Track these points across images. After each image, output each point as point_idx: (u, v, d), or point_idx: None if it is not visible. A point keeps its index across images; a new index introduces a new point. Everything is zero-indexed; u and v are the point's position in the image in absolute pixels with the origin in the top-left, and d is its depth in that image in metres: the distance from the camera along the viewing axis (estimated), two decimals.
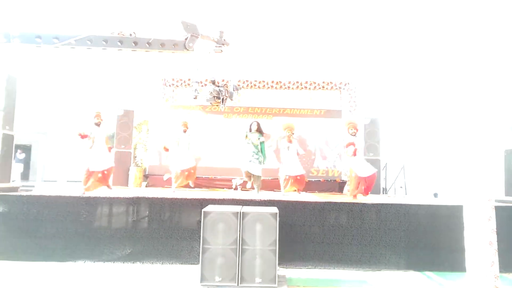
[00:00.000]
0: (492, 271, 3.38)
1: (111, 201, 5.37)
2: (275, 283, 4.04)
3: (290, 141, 7.41)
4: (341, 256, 5.12)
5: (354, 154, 6.31)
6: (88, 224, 5.23)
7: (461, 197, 3.73)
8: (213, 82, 4.27)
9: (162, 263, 5.03)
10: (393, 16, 6.25)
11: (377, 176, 9.05)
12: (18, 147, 13.86)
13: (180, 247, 5.14)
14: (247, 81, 10.45)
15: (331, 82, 10.49)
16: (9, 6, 4.89)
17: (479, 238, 3.46)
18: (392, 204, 5.42)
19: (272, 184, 8.57)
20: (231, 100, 4.29)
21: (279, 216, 4.21)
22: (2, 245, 5.02)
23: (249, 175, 7.01)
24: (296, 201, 5.50)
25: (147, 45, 3.09)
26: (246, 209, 4.32)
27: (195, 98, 4.33)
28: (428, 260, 5.09)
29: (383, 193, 9.79)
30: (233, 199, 5.37)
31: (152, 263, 5.03)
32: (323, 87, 10.56)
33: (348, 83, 10.33)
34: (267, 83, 10.52)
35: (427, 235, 5.19)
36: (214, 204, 4.83)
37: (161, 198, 5.38)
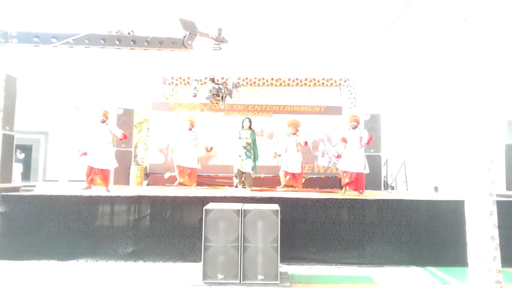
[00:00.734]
0: (494, 266, 3.38)
1: (113, 200, 5.37)
2: (277, 280, 4.04)
3: (297, 136, 7.49)
4: (343, 252, 5.12)
5: (339, 157, 6.79)
6: (90, 223, 5.23)
7: (462, 192, 3.73)
8: (213, 80, 4.26)
9: (164, 261, 5.04)
10: (393, 12, 6.22)
11: (378, 172, 9.09)
12: (18, 147, 13.90)
13: (182, 245, 5.15)
14: (246, 78, 10.42)
15: (331, 79, 10.47)
16: (6, 6, 4.87)
17: (480, 233, 3.45)
18: (393, 200, 5.42)
19: (273, 181, 8.58)
20: (231, 97, 4.29)
21: (281, 213, 4.21)
22: (4, 245, 5.03)
23: (241, 173, 7.05)
24: (297, 198, 5.50)
25: (146, 44, 3.07)
26: (247, 206, 4.32)
27: (195, 96, 4.33)
28: (430, 256, 5.10)
29: (390, 189, 9.79)
30: (234, 197, 5.38)
31: (154, 261, 5.04)
32: (323, 83, 10.53)
33: (348, 79, 10.31)
34: (267, 80, 10.50)
35: (428, 231, 5.20)
36: (216, 201, 4.83)
37: (163, 197, 5.39)
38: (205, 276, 4.07)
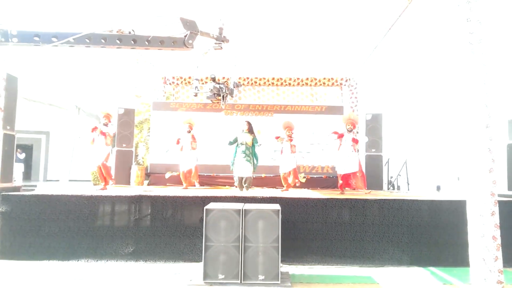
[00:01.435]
0: (495, 266, 3.37)
1: (114, 200, 5.37)
2: (278, 280, 4.04)
3: (291, 140, 7.40)
4: (344, 252, 5.11)
5: (338, 137, 6.72)
6: (91, 223, 5.23)
7: (464, 191, 3.72)
8: (214, 79, 4.25)
9: (165, 261, 5.04)
10: (395, 12, 6.20)
11: (378, 172, 9.08)
12: (19, 147, 13.91)
13: (182, 245, 5.15)
14: (247, 78, 10.40)
15: (332, 78, 10.44)
16: (6, 5, 4.86)
17: (482, 233, 3.44)
18: (394, 200, 5.41)
19: (273, 181, 8.57)
20: (232, 97, 4.28)
21: (282, 213, 4.20)
22: (5, 245, 5.03)
23: (241, 178, 7.00)
24: (298, 197, 5.49)
25: (146, 43, 3.06)
26: (248, 206, 4.31)
27: (196, 95, 4.32)
28: (432, 256, 5.09)
29: (391, 188, 9.78)
30: (235, 197, 5.37)
31: (155, 261, 5.04)
32: (324, 83, 10.51)
33: (349, 79, 10.29)
34: (268, 80, 10.48)
35: (430, 231, 5.18)
36: (216, 201, 4.83)
37: (163, 196, 5.39)
38: (205, 276, 4.06)
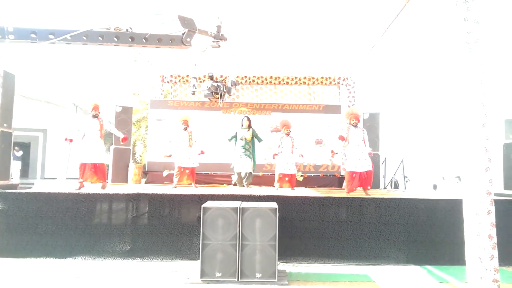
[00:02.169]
0: (491, 265, 3.39)
1: (111, 198, 5.36)
2: (275, 278, 4.04)
3: (291, 138, 7.42)
4: (341, 250, 5.13)
5: (341, 139, 6.37)
6: (88, 221, 5.23)
7: (461, 190, 3.73)
8: (211, 78, 4.25)
9: (162, 259, 5.04)
10: (392, 11, 6.21)
11: (376, 170, 9.09)
12: (16, 144, 13.86)
13: (180, 243, 5.15)
14: (245, 76, 10.41)
15: (329, 77, 10.46)
16: (3, 2, 4.84)
17: (478, 232, 3.46)
18: (391, 199, 5.43)
19: (271, 180, 8.57)
20: (229, 95, 4.28)
21: (279, 212, 4.21)
22: (2, 243, 5.02)
23: (240, 173, 6.99)
24: (296, 196, 5.50)
25: (144, 41, 3.06)
26: (245, 204, 4.32)
27: (193, 93, 4.32)
28: (428, 254, 5.11)
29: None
30: (232, 195, 5.37)
31: (152, 259, 5.03)
32: (322, 82, 10.52)
33: (347, 78, 10.30)
34: (266, 79, 10.48)
35: (426, 229, 5.20)
36: (214, 199, 4.83)
37: (161, 194, 5.38)
38: (203, 274, 4.06)
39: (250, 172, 6.98)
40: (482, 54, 3.63)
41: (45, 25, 2.79)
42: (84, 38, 2.88)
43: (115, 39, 2.99)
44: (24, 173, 15.43)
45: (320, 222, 5.23)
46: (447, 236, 5.07)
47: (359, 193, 6.21)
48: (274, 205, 4.33)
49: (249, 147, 7.02)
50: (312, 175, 9.53)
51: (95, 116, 6.31)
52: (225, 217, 4.16)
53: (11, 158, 6.16)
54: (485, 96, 3.59)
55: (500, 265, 3.46)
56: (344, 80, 10.39)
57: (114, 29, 2.99)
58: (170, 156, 7.48)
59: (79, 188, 5.97)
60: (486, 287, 3.37)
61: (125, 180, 9.19)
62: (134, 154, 13.20)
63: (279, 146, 7.43)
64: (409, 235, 5.19)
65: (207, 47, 3.78)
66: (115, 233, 5.18)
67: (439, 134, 10.23)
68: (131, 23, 3.09)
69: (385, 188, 9.94)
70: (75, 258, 4.98)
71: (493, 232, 3.43)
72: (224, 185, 8.96)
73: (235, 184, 8.11)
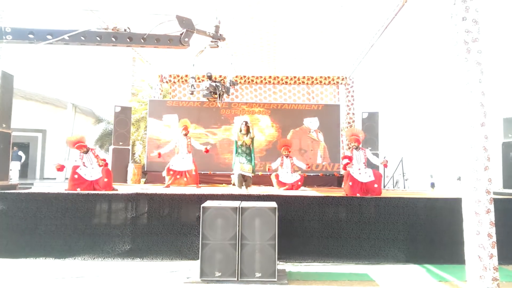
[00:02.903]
0: (491, 263, 3.39)
1: (110, 198, 5.36)
2: (275, 278, 4.05)
3: (290, 158, 7.48)
4: (341, 250, 5.13)
5: (344, 169, 6.13)
6: (87, 221, 5.22)
7: (460, 189, 3.74)
8: (210, 78, 4.24)
9: (161, 259, 5.04)
10: (390, 11, 6.21)
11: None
12: (15, 145, 13.86)
13: (179, 243, 5.15)
14: (244, 76, 10.40)
15: (328, 77, 10.45)
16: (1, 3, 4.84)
17: (478, 231, 3.46)
18: (391, 198, 5.43)
19: (270, 180, 8.57)
20: (228, 95, 4.27)
21: (278, 211, 4.21)
22: (1, 243, 5.02)
23: (242, 177, 6.98)
24: (295, 195, 5.50)
25: (142, 41, 3.05)
26: (245, 204, 4.32)
27: (192, 93, 4.31)
28: (427, 253, 5.11)
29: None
30: (231, 195, 5.37)
31: (152, 259, 5.03)
32: (321, 82, 10.52)
33: (346, 78, 10.31)
34: (265, 78, 10.48)
35: (426, 228, 5.21)
36: (213, 199, 4.83)
37: (160, 194, 5.38)
38: (202, 273, 4.06)
39: (250, 176, 7.00)
40: (481, 53, 3.64)
41: (43, 26, 2.78)
42: (82, 38, 2.87)
43: (113, 39, 2.98)
44: (23, 173, 15.41)
45: (319, 222, 5.23)
46: (447, 235, 5.07)
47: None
48: (273, 204, 4.33)
49: (249, 152, 7.04)
50: (312, 174, 9.53)
51: (85, 152, 6.18)
52: (224, 216, 4.16)
53: (10, 158, 6.14)
54: (484, 96, 3.60)
55: (499, 263, 3.47)
56: (343, 79, 10.39)
57: (112, 29, 2.98)
58: (159, 156, 7.42)
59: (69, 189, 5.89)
60: (486, 286, 3.37)
61: (124, 180, 9.18)
62: (133, 154, 13.19)
63: (281, 166, 7.50)
64: (409, 234, 5.19)
65: (206, 47, 3.78)
66: (114, 233, 5.18)
67: (438, 134, 10.25)
68: (129, 23, 3.08)
69: (384, 187, 9.95)
70: (74, 258, 4.97)
71: (493, 231, 3.44)
72: (224, 184, 8.95)
73: (234, 184, 8.10)
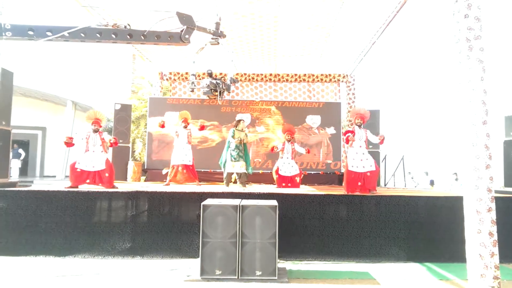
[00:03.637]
0: (492, 262, 3.38)
1: (110, 196, 5.35)
2: (275, 276, 4.04)
3: (292, 143, 7.43)
4: (341, 248, 5.12)
5: (347, 142, 6.03)
6: (88, 219, 5.21)
7: (461, 187, 3.72)
8: (210, 75, 4.22)
9: (162, 257, 5.03)
10: (392, 8, 6.19)
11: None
12: (15, 143, 13.85)
13: (179, 241, 5.14)
14: (245, 74, 10.38)
15: (329, 75, 10.43)
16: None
17: (479, 229, 3.45)
18: (391, 196, 5.42)
19: (271, 177, 8.56)
20: (228, 92, 4.25)
21: (279, 209, 4.20)
22: (1, 241, 5.00)
23: (231, 175, 6.98)
24: (296, 194, 5.49)
25: (142, 38, 3.03)
26: (245, 202, 4.30)
27: (192, 91, 4.29)
28: (428, 252, 5.10)
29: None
30: (232, 193, 5.36)
31: (152, 257, 5.02)
32: (322, 79, 10.50)
33: (347, 76, 10.28)
34: (265, 76, 10.46)
35: (427, 227, 5.19)
36: (213, 197, 4.81)
37: (160, 192, 5.37)
38: (203, 272, 4.06)
39: (244, 172, 6.99)
40: (483, 51, 3.62)
41: (43, 22, 2.76)
42: (82, 35, 2.85)
43: (113, 36, 2.96)
44: (23, 171, 15.41)
45: (320, 220, 5.22)
46: (448, 233, 5.06)
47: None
48: (274, 202, 4.31)
49: (242, 148, 7.04)
50: (312, 172, 9.53)
51: (95, 131, 6.23)
52: (225, 215, 4.15)
53: (10, 156, 6.12)
54: (486, 94, 3.58)
55: (500, 262, 3.46)
56: (344, 77, 10.37)
57: (112, 26, 2.96)
58: (163, 125, 7.50)
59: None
60: (487, 284, 3.37)
61: (124, 178, 9.17)
62: (133, 152, 13.18)
63: (281, 151, 7.45)
64: (410, 233, 5.18)
65: (206, 44, 3.76)
66: (114, 231, 5.16)
67: (439, 132, 10.23)
68: (130, 20, 3.06)
69: (385, 185, 9.94)
70: (74, 256, 4.97)
71: (494, 229, 3.43)
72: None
73: (234, 182, 8.09)
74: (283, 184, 7.28)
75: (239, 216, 4.13)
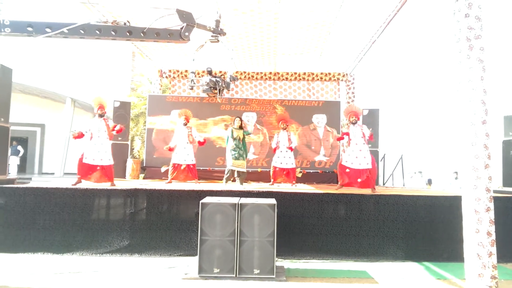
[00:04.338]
0: (490, 261, 3.39)
1: (109, 193, 5.34)
2: (273, 274, 4.04)
3: (288, 131, 7.44)
4: (339, 247, 5.12)
5: (338, 140, 6.21)
6: (86, 216, 5.20)
7: (459, 187, 3.72)
8: (210, 73, 4.21)
9: (160, 255, 5.03)
10: (392, 7, 6.18)
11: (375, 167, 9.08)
12: (14, 140, 13.83)
13: (178, 238, 5.14)
14: (244, 72, 10.36)
15: (329, 73, 10.42)
16: None
17: (477, 229, 3.45)
18: (390, 195, 5.42)
19: (269, 176, 8.57)
20: (228, 90, 4.24)
21: (277, 208, 4.20)
22: None
23: (233, 172, 6.99)
24: (294, 192, 5.49)
25: (142, 35, 3.01)
26: (244, 200, 4.30)
27: (192, 88, 4.28)
28: (427, 251, 5.11)
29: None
30: (231, 191, 5.36)
31: (150, 255, 5.02)
32: (321, 78, 10.49)
33: (346, 74, 10.28)
34: (265, 74, 10.44)
35: (425, 226, 5.20)
36: (212, 195, 4.81)
37: (159, 190, 5.36)
38: (201, 270, 4.06)
39: (243, 171, 7.00)
40: (483, 50, 3.61)
41: (42, 18, 2.75)
42: (81, 31, 2.84)
43: (113, 33, 2.94)
44: (22, 168, 15.39)
45: (318, 219, 5.22)
46: (446, 233, 5.07)
47: (358, 189, 6.15)
48: (272, 201, 4.31)
49: (242, 146, 7.05)
50: (311, 171, 9.52)
51: (101, 115, 6.28)
52: (223, 213, 4.15)
53: (9, 153, 6.11)
54: (486, 93, 3.58)
55: (498, 262, 3.47)
56: (343, 76, 10.36)
57: (112, 23, 2.95)
58: (171, 149, 7.43)
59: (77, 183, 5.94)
60: (485, 284, 3.37)
61: (123, 175, 9.15)
62: (132, 149, 13.16)
63: (277, 142, 7.47)
64: (408, 232, 5.19)
65: (206, 42, 3.74)
66: (113, 229, 5.16)
67: (438, 131, 10.24)
68: (129, 17, 3.04)
69: (384, 184, 9.95)
70: (72, 254, 4.96)
71: (492, 229, 3.43)
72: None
73: (233, 180, 8.09)
74: (279, 180, 7.32)
75: (238, 214, 4.13)
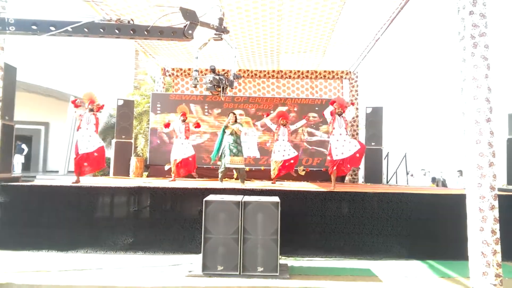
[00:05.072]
0: (494, 260, 3.38)
1: (113, 191, 5.36)
2: (277, 272, 4.05)
3: (288, 127, 7.45)
4: (343, 245, 5.13)
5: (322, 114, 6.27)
6: (90, 214, 5.23)
7: (464, 185, 3.71)
8: (213, 71, 4.21)
9: (164, 252, 5.05)
10: (396, 5, 6.15)
11: (379, 165, 9.07)
12: (18, 138, 13.90)
13: (181, 236, 5.15)
14: (247, 70, 10.35)
15: (332, 71, 10.39)
16: None
17: (481, 227, 3.44)
18: (394, 193, 5.41)
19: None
20: (231, 89, 4.23)
21: (281, 206, 4.20)
22: (3, 235, 5.03)
23: (227, 170, 6.95)
24: (298, 190, 5.49)
25: (146, 33, 3.00)
26: (247, 198, 4.31)
27: (195, 86, 4.28)
28: (431, 249, 5.10)
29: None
30: (234, 189, 5.37)
31: (154, 252, 5.04)
32: (325, 76, 10.46)
33: (350, 72, 10.25)
34: (268, 73, 10.42)
35: (429, 224, 5.19)
36: (216, 193, 4.82)
37: (163, 188, 5.38)
38: (204, 267, 4.07)
39: (243, 168, 6.96)
40: (487, 48, 3.59)
41: (46, 17, 2.75)
42: (85, 30, 2.84)
43: (117, 31, 2.94)
44: (26, 166, 15.47)
45: (322, 217, 5.22)
46: (450, 231, 5.05)
47: (361, 187, 6.16)
48: (276, 199, 4.32)
49: (240, 142, 7.01)
50: (314, 169, 9.51)
51: (92, 110, 6.25)
52: (227, 211, 4.16)
53: (14, 151, 6.14)
54: (490, 91, 3.56)
55: (503, 260, 3.45)
56: (347, 74, 10.33)
57: (116, 21, 2.94)
58: (168, 124, 7.58)
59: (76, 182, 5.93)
60: (489, 282, 3.36)
61: (126, 173, 9.19)
62: (135, 147, 13.20)
63: (276, 134, 7.49)
64: (412, 230, 5.18)
65: (209, 40, 3.74)
66: (117, 227, 5.18)
67: (443, 129, 10.20)
68: (133, 15, 3.05)
69: (387, 183, 9.93)
70: (76, 251, 4.99)
71: (496, 227, 3.42)
72: (226, 179, 8.94)
73: (236, 178, 8.09)
74: (286, 164, 7.33)
75: (241, 212, 4.14)
